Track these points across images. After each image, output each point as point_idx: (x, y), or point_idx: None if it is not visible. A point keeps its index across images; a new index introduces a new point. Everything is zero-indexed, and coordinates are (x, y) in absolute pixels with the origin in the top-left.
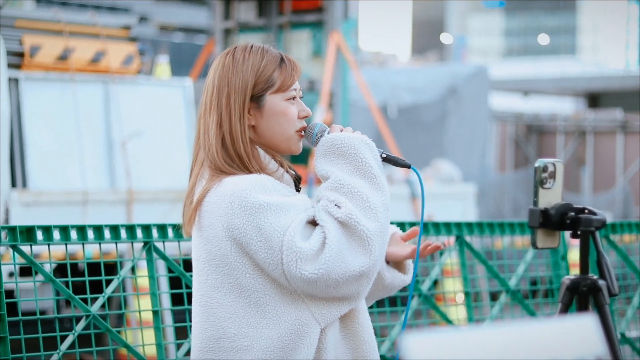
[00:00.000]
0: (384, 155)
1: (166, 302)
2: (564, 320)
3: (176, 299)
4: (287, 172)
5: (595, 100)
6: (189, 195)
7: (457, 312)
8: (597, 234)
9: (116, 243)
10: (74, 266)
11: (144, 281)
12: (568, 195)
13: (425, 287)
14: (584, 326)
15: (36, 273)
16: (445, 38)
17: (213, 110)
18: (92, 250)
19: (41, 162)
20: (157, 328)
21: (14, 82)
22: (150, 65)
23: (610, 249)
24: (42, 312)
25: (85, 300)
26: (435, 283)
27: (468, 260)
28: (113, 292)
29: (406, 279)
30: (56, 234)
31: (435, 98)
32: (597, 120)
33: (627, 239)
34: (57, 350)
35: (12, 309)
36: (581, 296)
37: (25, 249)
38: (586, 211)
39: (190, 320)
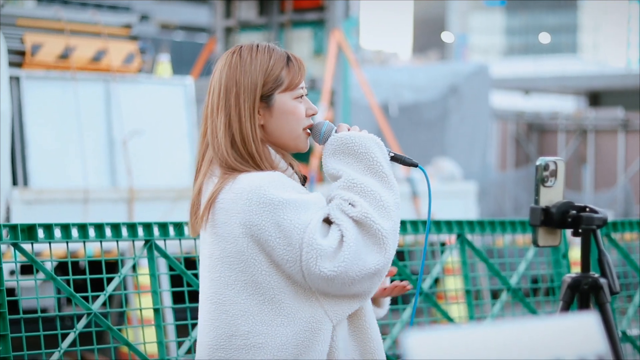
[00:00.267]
0: (392, 155)
1: (167, 300)
2: (565, 319)
3: (177, 297)
4: (296, 172)
5: (596, 98)
6: (198, 193)
7: (459, 310)
8: (599, 232)
9: (117, 241)
10: (75, 264)
11: (145, 279)
12: (569, 194)
13: (426, 285)
14: (585, 324)
15: (37, 271)
16: (447, 36)
17: (221, 111)
18: (93, 249)
19: (42, 160)
20: (158, 326)
21: (15, 80)
22: (151, 63)
23: (612, 247)
24: (43, 310)
25: (86, 299)
26: (436, 281)
27: (469, 258)
28: (114, 290)
29: (380, 312)
30: (57, 232)
31: (436, 96)
32: (598, 119)
33: (628, 237)
34: (58, 349)
35: (13, 307)
36: (582, 294)
37: (27, 247)
38: (587, 209)
39: (192, 318)
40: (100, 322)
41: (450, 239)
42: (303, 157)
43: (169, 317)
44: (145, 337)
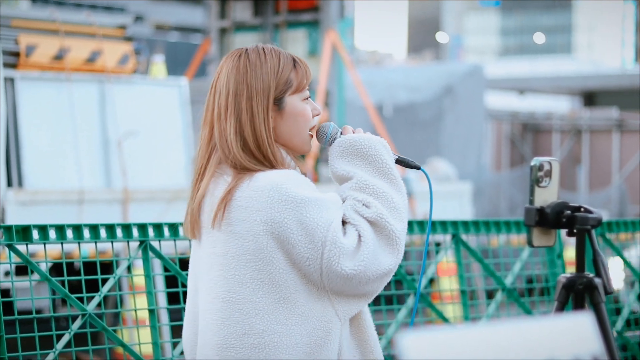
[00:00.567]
0: (396, 157)
1: (162, 300)
2: (560, 319)
3: (172, 298)
4: (303, 173)
5: (591, 98)
6: (203, 194)
7: (454, 310)
8: (593, 232)
9: (112, 242)
10: (70, 265)
11: (139, 280)
12: (564, 194)
13: (421, 285)
14: (580, 324)
15: (32, 272)
16: (441, 37)
17: (230, 114)
18: (88, 249)
19: (37, 161)
20: (153, 327)
21: (9, 81)
22: (146, 64)
23: (606, 247)
24: (38, 311)
25: (81, 299)
26: (431, 281)
27: (464, 258)
28: (109, 291)
29: None
30: (52, 233)
31: (431, 97)
32: (593, 119)
33: (623, 237)
34: (53, 349)
35: (8, 308)
36: (577, 294)
37: (21, 248)
38: (582, 209)
39: None
40: (95, 323)
41: (445, 239)
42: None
43: (164, 317)
44: (140, 338)
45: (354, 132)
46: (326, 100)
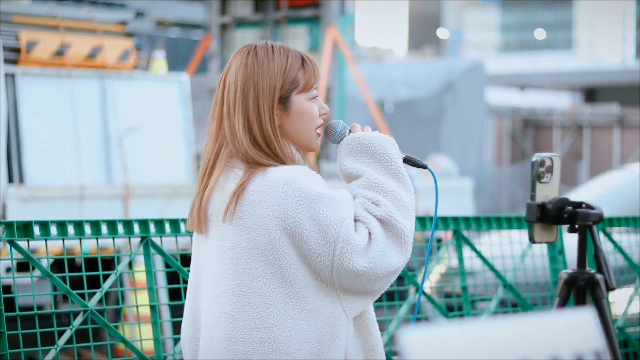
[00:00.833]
0: (403, 156)
1: (163, 297)
2: (562, 315)
3: (173, 294)
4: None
5: (591, 94)
6: (213, 187)
7: (454, 306)
8: (595, 228)
9: (113, 238)
10: (71, 261)
11: (141, 276)
12: (565, 190)
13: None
14: (582, 320)
15: (33, 268)
16: (442, 33)
17: (238, 111)
18: (89, 246)
19: (38, 157)
20: (154, 323)
21: (10, 77)
22: (146, 60)
23: (608, 243)
24: (40, 307)
25: (82, 296)
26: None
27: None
28: (110, 287)
29: None
30: (53, 229)
31: (432, 93)
32: (594, 115)
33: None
34: (55, 346)
35: (10, 304)
36: (579, 290)
37: (23, 244)
38: (583, 205)
39: None
40: (96, 319)
41: (447, 235)
42: None
43: (166, 314)
44: (141, 334)
45: (362, 130)
46: (327, 97)
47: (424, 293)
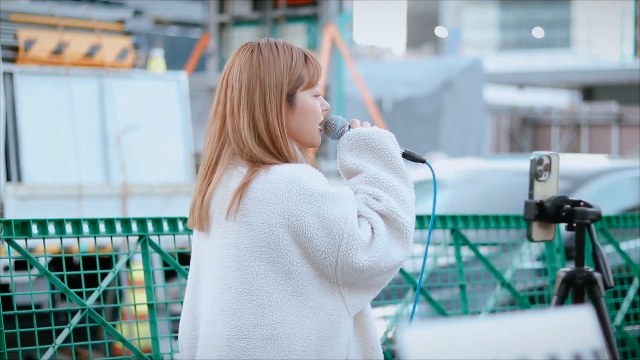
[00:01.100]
0: (402, 151)
1: (161, 295)
2: (560, 313)
3: (171, 293)
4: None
5: (590, 93)
6: (215, 186)
7: (451, 305)
8: (593, 226)
9: (111, 237)
10: (69, 260)
11: (139, 275)
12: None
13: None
14: (580, 318)
15: (31, 267)
16: (440, 31)
17: (243, 109)
18: (87, 244)
19: (36, 156)
20: (152, 322)
21: (8, 76)
22: (145, 59)
23: (606, 241)
24: (37, 306)
25: (80, 294)
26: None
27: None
28: (108, 285)
29: None
30: (51, 228)
31: (430, 91)
32: (592, 113)
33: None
34: (53, 344)
35: (7, 302)
36: (577, 289)
37: (21, 242)
38: (581, 204)
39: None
40: (94, 317)
41: (445, 233)
42: None
43: (163, 312)
44: (139, 333)
45: (361, 126)
46: (325, 95)
47: (422, 291)
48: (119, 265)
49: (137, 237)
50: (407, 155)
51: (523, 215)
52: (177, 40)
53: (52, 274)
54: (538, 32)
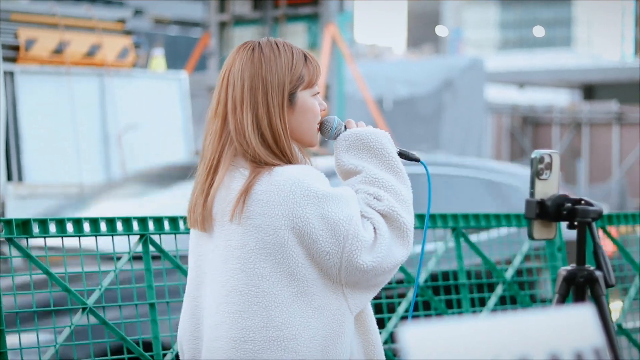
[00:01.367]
0: (397, 150)
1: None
2: (561, 312)
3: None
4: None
5: (590, 92)
6: (218, 187)
7: (454, 303)
8: (594, 224)
9: (112, 236)
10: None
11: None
12: (564, 187)
13: (421, 279)
14: (581, 317)
15: (32, 266)
16: (441, 30)
17: (246, 107)
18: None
19: (37, 155)
20: (153, 321)
21: (9, 75)
22: (145, 58)
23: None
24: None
25: (81, 293)
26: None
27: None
28: (109, 284)
29: None
30: (52, 227)
31: (431, 90)
32: (593, 112)
33: (623, 230)
34: (54, 344)
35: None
36: (578, 287)
37: (22, 242)
38: (583, 202)
39: None
40: (95, 316)
41: (446, 232)
42: None
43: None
44: (140, 332)
45: (357, 126)
46: (326, 94)
47: (423, 289)
48: (120, 265)
49: (138, 236)
50: (401, 155)
51: (524, 213)
52: (177, 39)
53: (53, 272)
54: (538, 31)
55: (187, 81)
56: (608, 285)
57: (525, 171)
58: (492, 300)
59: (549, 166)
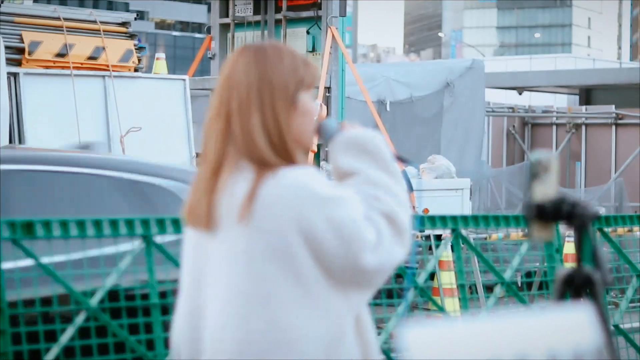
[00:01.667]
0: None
1: None
2: (560, 312)
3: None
4: None
5: (589, 94)
6: (223, 189)
7: (454, 304)
8: (591, 226)
9: (115, 237)
10: None
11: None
12: (562, 190)
13: (421, 279)
14: (579, 317)
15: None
16: (441, 34)
17: (254, 111)
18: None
19: None
20: (156, 321)
21: (13, 77)
22: (148, 60)
23: (604, 241)
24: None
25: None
26: (432, 276)
27: (464, 253)
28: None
29: None
30: (56, 229)
31: (430, 93)
32: (591, 115)
33: (620, 232)
34: (57, 343)
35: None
36: (576, 288)
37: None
38: (580, 204)
39: None
40: (99, 317)
41: (445, 233)
42: None
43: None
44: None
45: (352, 128)
46: (327, 97)
47: (422, 290)
48: (123, 266)
49: (141, 238)
50: (394, 157)
51: (523, 215)
52: (180, 42)
53: (57, 273)
54: (537, 35)
55: (190, 84)
56: (606, 286)
57: (189, 173)
58: (491, 300)
59: (548, 168)
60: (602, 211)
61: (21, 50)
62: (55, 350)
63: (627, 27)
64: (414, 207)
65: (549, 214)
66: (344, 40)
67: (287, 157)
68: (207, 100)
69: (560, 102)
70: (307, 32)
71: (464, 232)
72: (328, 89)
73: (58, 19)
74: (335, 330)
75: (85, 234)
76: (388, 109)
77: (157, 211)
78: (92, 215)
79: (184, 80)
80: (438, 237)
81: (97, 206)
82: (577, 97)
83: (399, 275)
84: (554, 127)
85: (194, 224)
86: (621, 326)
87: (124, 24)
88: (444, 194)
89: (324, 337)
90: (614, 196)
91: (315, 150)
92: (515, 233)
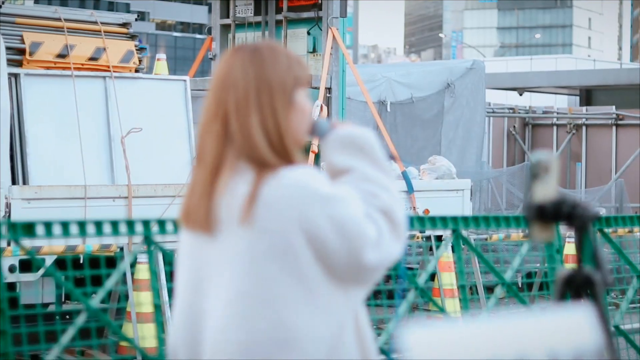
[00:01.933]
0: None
1: (165, 296)
2: (560, 313)
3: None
4: None
5: (589, 95)
6: (222, 190)
7: (454, 305)
8: (592, 227)
9: (116, 238)
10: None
11: (143, 275)
12: (562, 190)
13: (421, 280)
14: (579, 318)
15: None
16: (442, 34)
17: (254, 110)
18: (92, 245)
19: (41, 158)
20: (157, 321)
21: (14, 78)
22: (149, 61)
23: (605, 242)
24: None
25: (85, 294)
26: (432, 276)
27: (464, 253)
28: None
29: None
30: (57, 229)
31: (431, 93)
32: (591, 116)
33: (620, 233)
34: (58, 344)
35: (13, 303)
36: (576, 289)
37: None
38: (581, 204)
39: None
40: (99, 317)
41: (445, 234)
42: None
43: (167, 312)
44: (144, 333)
45: (344, 127)
46: (327, 97)
47: (422, 291)
48: (124, 266)
49: (141, 238)
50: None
51: (523, 216)
52: (180, 43)
53: (58, 274)
54: (537, 36)
55: (190, 84)
56: (606, 287)
57: None
58: (491, 301)
59: (548, 168)
60: (603, 212)
61: (22, 51)
62: (55, 350)
63: (627, 28)
64: (414, 208)
65: (550, 214)
66: (345, 41)
67: (286, 157)
68: None
69: (561, 102)
70: (308, 33)
71: (464, 232)
72: (329, 89)
73: (59, 19)
74: (337, 328)
75: (85, 233)
76: (389, 109)
77: None
78: None
79: (184, 81)
80: (439, 238)
81: None
82: (577, 98)
83: (399, 276)
84: (555, 128)
85: (193, 227)
86: (622, 327)
87: (124, 24)
88: (445, 194)
89: (327, 336)
90: (615, 197)
91: (316, 150)
92: (516, 234)
